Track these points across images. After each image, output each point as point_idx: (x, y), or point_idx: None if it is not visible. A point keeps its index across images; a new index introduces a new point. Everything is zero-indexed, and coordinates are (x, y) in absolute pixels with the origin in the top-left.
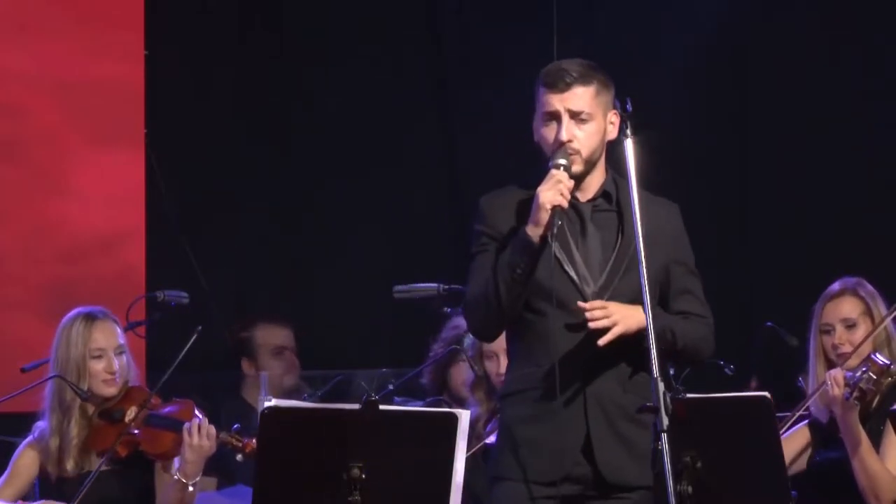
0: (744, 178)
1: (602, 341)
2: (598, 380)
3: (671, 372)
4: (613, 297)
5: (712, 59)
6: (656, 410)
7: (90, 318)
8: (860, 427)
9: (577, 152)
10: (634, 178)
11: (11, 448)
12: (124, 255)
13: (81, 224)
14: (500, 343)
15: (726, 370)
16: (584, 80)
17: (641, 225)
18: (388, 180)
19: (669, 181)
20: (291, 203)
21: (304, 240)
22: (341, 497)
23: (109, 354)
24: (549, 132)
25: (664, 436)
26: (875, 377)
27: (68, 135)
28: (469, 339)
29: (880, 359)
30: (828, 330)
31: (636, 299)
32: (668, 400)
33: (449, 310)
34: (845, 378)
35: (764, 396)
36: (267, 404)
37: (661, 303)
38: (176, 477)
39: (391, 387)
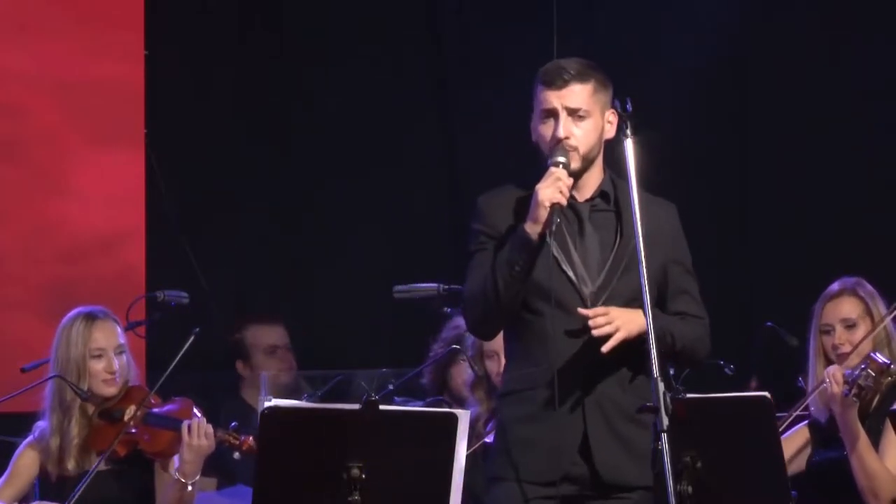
0: (744, 178)
1: (605, 348)
2: (597, 379)
3: (671, 372)
4: (611, 298)
5: (712, 59)
6: (656, 410)
7: (90, 317)
8: (859, 425)
9: (575, 149)
10: (634, 178)
11: (11, 448)
12: (124, 255)
13: (81, 224)
14: (500, 342)
15: (726, 370)
16: (581, 77)
17: (641, 225)
18: (388, 180)
19: (669, 181)
20: (291, 203)
21: (304, 240)
22: (341, 497)
23: (109, 354)
24: (546, 129)
25: (664, 436)
26: (874, 374)
27: (68, 135)
28: (469, 339)
29: (880, 357)
30: (828, 330)
31: (634, 299)
32: (668, 400)
33: (449, 310)
34: (844, 375)
35: (764, 396)
36: (267, 404)
37: (659, 302)
38: (175, 476)
39: (391, 387)
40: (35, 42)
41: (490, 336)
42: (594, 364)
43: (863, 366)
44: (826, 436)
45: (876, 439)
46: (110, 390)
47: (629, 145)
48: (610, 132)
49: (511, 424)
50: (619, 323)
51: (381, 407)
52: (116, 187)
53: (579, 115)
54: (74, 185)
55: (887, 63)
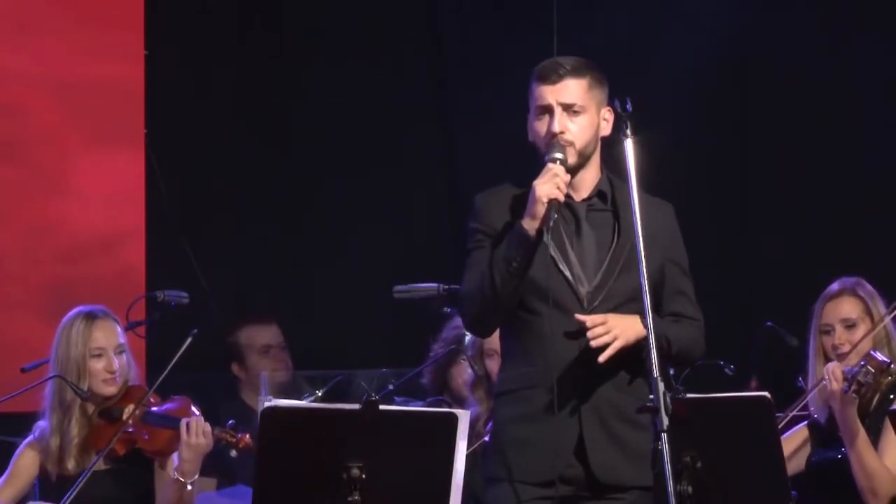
0: (744, 178)
1: (602, 358)
2: (593, 380)
3: (671, 372)
4: (608, 298)
5: (712, 59)
6: (656, 410)
7: (90, 317)
8: (858, 422)
9: (571, 144)
10: (634, 178)
11: (11, 448)
12: (124, 255)
13: (81, 224)
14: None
15: (726, 370)
16: (576, 73)
17: (640, 226)
18: (388, 180)
19: (669, 181)
20: (291, 203)
21: (304, 240)
22: (341, 497)
23: (109, 354)
24: (541, 125)
25: (664, 436)
26: (873, 371)
27: (68, 135)
28: (469, 339)
29: (879, 355)
30: (827, 330)
31: (631, 299)
32: (668, 400)
33: (449, 310)
34: (843, 372)
35: (764, 396)
36: (266, 404)
37: (655, 303)
38: (174, 476)
39: (391, 387)
40: (35, 42)
41: (487, 334)
42: (591, 365)
43: (862, 363)
44: (825, 435)
45: (875, 439)
46: (110, 390)
47: (629, 145)
48: (606, 130)
49: (507, 424)
50: (617, 332)
51: (381, 407)
52: (116, 187)
53: (574, 111)
54: (74, 185)
55: (887, 63)
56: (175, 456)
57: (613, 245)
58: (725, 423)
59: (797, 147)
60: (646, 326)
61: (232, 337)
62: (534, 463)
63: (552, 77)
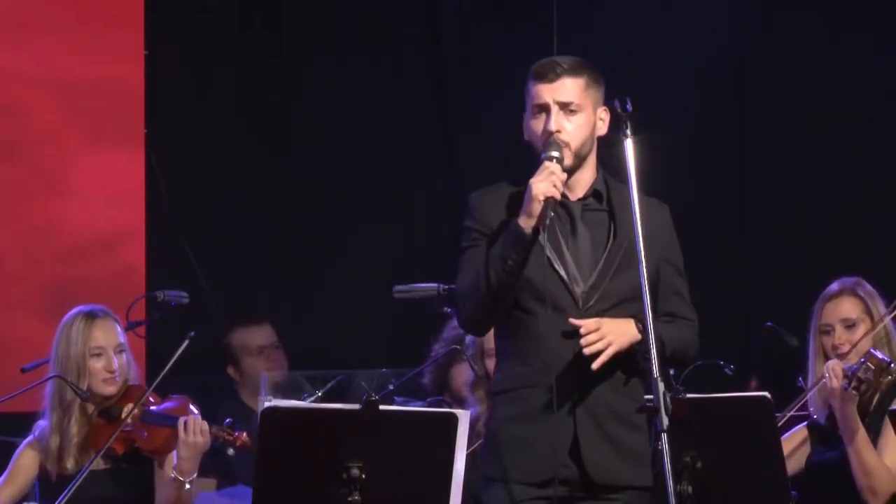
0: (744, 179)
1: (596, 365)
2: (588, 380)
3: (671, 372)
4: (603, 298)
5: (712, 59)
6: (656, 410)
7: (90, 316)
8: (858, 420)
9: (567, 144)
10: (634, 179)
11: (11, 448)
12: (124, 255)
13: (81, 224)
14: None
15: (726, 370)
16: (573, 71)
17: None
18: (388, 180)
19: (669, 181)
20: (291, 203)
21: (304, 240)
22: (341, 497)
23: (109, 353)
24: (537, 124)
25: (664, 436)
26: (873, 367)
27: (68, 135)
28: (470, 339)
29: (879, 354)
30: (827, 330)
31: (626, 299)
32: (668, 400)
33: (449, 310)
34: (843, 370)
35: (764, 396)
36: (267, 404)
37: (651, 303)
38: (172, 475)
39: (391, 387)
40: (35, 42)
41: (482, 332)
42: (585, 365)
43: (862, 359)
44: (825, 435)
45: (875, 438)
46: (110, 389)
47: (629, 145)
48: (602, 129)
49: (502, 423)
50: (611, 338)
51: (381, 407)
52: (116, 187)
53: (571, 110)
54: (74, 185)
55: (887, 63)
56: (174, 455)
57: (609, 245)
58: (725, 423)
59: (797, 147)
60: (646, 327)
61: (225, 339)
62: (530, 462)
63: (549, 75)
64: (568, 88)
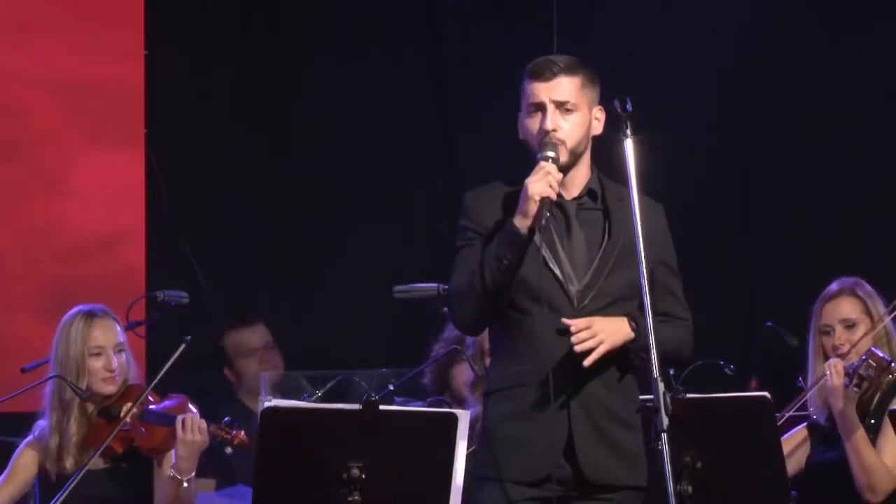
0: (744, 178)
1: (587, 362)
2: (583, 379)
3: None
4: (598, 297)
5: (712, 59)
6: (656, 410)
7: (90, 315)
8: (857, 419)
9: (562, 142)
10: (634, 179)
11: (11, 448)
12: (124, 255)
13: (81, 224)
14: None
15: (726, 370)
16: (569, 70)
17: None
18: (388, 180)
19: (669, 181)
20: (291, 203)
21: (304, 240)
22: (341, 497)
23: (109, 352)
24: (533, 123)
25: (664, 436)
26: (875, 365)
27: (68, 135)
28: (470, 339)
29: (880, 352)
30: (827, 331)
31: (620, 298)
32: (668, 400)
33: (447, 310)
34: (844, 367)
35: (764, 396)
36: (267, 404)
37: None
38: (171, 473)
39: (391, 387)
40: (35, 42)
41: (476, 332)
42: (580, 364)
43: (864, 357)
44: (825, 435)
45: (875, 437)
46: (109, 388)
47: (629, 145)
48: (598, 128)
49: (497, 423)
50: (602, 336)
51: (381, 407)
52: (116, 187)
53: (567, 109)
54: (74, 185)
55: (887, 63)
56: (173, 454)
57: (603, 244)
58: (725, 423)
59: (797, 147)
60: (646, 326)
61: (220, 342)
62: (524, 462)
63: (545, 74)
64: (564, 87)
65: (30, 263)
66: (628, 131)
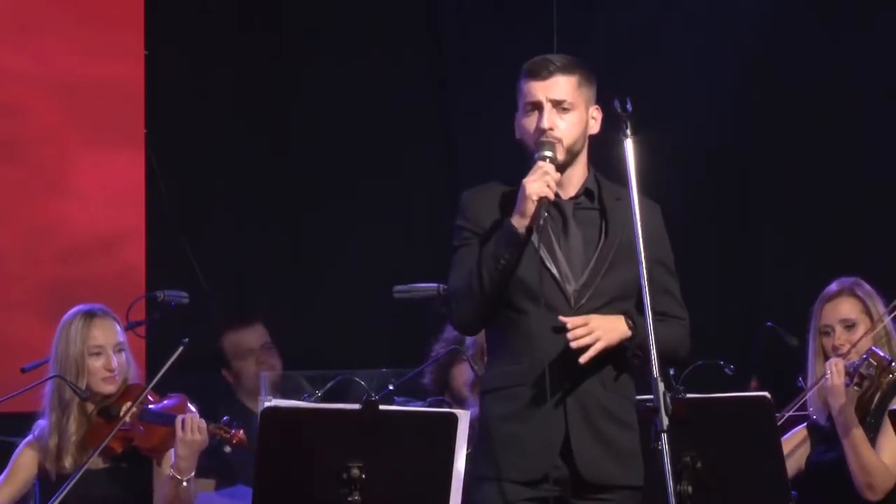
0: (744, 178)
1: (583, 359)
2: (579, 378)
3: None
4: (595, 296)
5: (712, 58)
6: (656, 410)
7: (89, 315)
8: (855, 418)
9: (559, 141)
10: (634, 179)
11: (11, 448)
12: (124, 255)
13: (81, 224)
14: None
15: (726, 370)
16: (566, 70)
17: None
18: (388, 180)
19: (669, 181)
20: (291, 203)
21: (304, 240)
22: (341, 497)
23: (108, 352)
24: (530, 122)
25: (664, 436)
26: (875, 364)
27: (68, 135)
28: (470, 339)
29: (881, 352)
30: (827, 331)
31: (617, 298)
32: (668, 400)
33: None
34: (845, 366)
35: (764, 396)
36: (267, 404)
37: (640, 301)
38: (170, 473)
39: (391, 387)
40: (35, 42)
41: (474, 331)
42: (576, 363)
43: (864, 356)
44: (825, 436)
45: (874, 437)
46: (109, 388)
47: (629, 145)
48: (594, 128)
49: (493, 422)
50: (599, 333)
51: (381, 407)
52: (116, 187)
53: (563, 108)
54: (74, 185)
55: (887, 63)
56: (172, 453)
57: (600, 244)
58: (725, 423)
59: (797, 147)
60: (646, 326)
61: (218, 343)
62: (521, 461)
63: (542, 73)
64: (561, 86)
65: (30, 263)
66: (628, 131)
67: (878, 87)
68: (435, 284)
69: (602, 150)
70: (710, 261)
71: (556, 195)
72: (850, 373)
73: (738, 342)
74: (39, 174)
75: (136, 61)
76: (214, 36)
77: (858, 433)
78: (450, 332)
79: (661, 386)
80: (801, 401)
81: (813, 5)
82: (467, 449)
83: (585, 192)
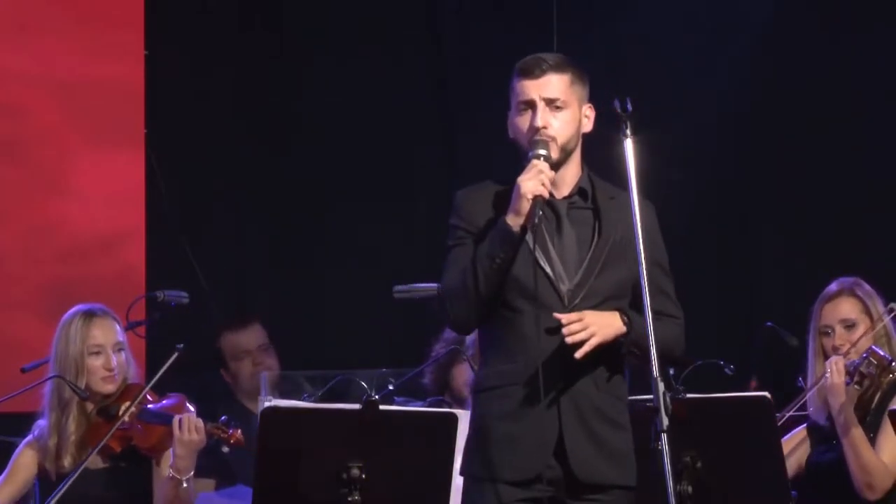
0: (744, 178)
1: (578, 354)
2: (572, 378)
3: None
4: (589, 296)
5: (712, 58)
6: (656, 410)
7: (89, 314)
8: (854, 418)
9: (553, 139)
10: (634, 179)
11: (11, 448)
12: (124, 255)
13: (81, 224)
14: None
15: (726, 370)
16: (558, 68)
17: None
18: (388, 180)
19: (669, 181)
20: (291, 203)
21: (304, 240)
22: (341, 497)
23: (108, 351)
24: (523, 121)
25: (664, 436)
26: (876, 363)
27: (68, 135)
28: (470, 339)
29: (881, 351)
30: (827, 332)
31: (611, 297)
32: (668, 400)
33: None
34: (846, 365)
35: (764, 396)
36: (267, 404)
37: (635, 302)
38: (169, 473)
39: (391, 387)
40: (35, 42)
41: (469, 330)
42: (570, 362)
43: (865, 355)
44: (825, 436)
45: (874, 436)
46: (109, 387)
47: (629, 145)
48: (587, 126)
49: (487, 421)
50: (594, 329)
51: (381, 407)
52: (116, 187)
53: (556, 106)
54: (74, 185)
55: (887, 63)
56: (171, 453)
57: (594, 243)
58: (725, 423)
59: (797, 147)
60: (645, 326)
61: (216, 343)
62: (514, 460)
63: (535, 72)
64: (553, 84)
65: (30, 263)
66: (628, 131)
67: (878, 87)
68: (435, 284)
69: (602, 150)
70: (710, 261)
71: (550, 194)
72: (851, 371)
73: (738, 342)
74: (39, 174)
75: (136, 61)
76: (214, 36)
77: (858, 433)
78: (450, 333)
79: (661, 386)
80: (801, 401)
81: (813, 5)
82: None
83: (579, 191)
